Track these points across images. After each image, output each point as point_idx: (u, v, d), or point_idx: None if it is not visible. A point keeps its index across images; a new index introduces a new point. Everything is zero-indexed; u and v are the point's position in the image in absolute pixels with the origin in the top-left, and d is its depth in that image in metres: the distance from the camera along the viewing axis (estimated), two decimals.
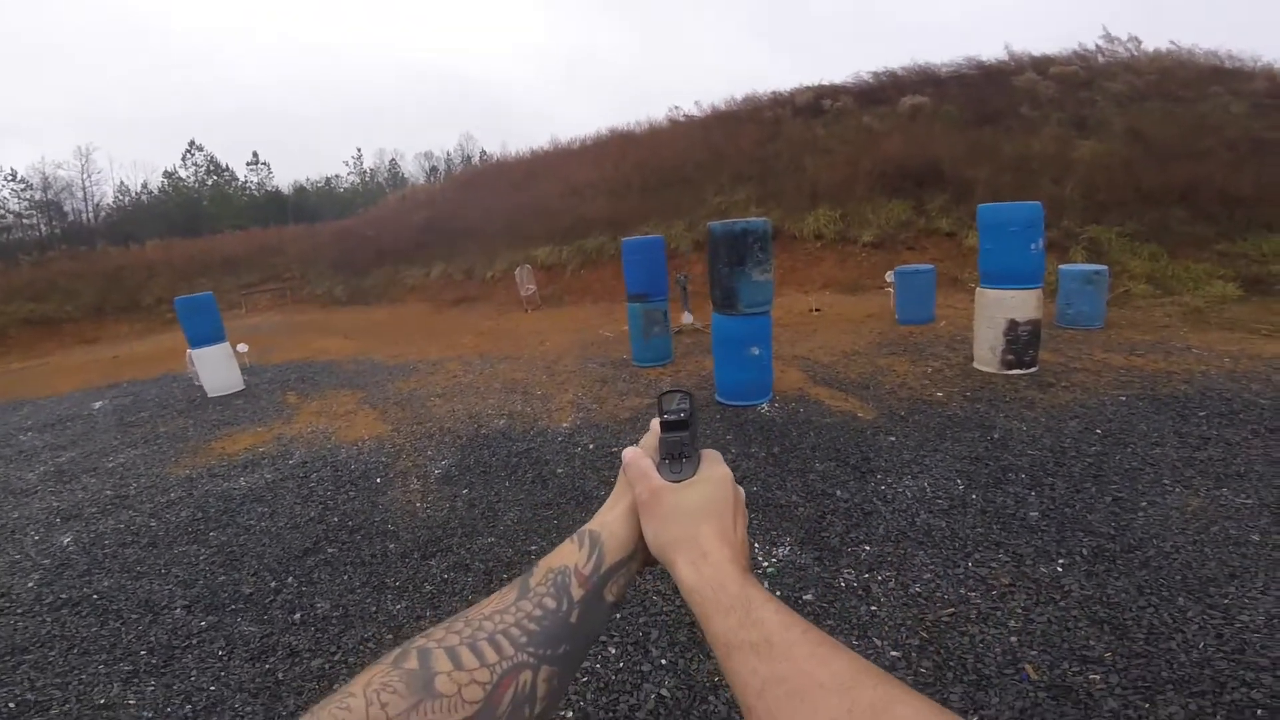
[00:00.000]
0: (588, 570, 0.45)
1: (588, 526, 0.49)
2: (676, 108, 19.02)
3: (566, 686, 0.43)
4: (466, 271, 15.03)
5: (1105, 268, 6.56)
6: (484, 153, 44.35)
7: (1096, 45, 13.24)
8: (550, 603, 0.43)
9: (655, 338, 6.27)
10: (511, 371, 6.79)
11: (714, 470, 0.50)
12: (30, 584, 3.27)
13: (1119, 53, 12.93)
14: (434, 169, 46.41)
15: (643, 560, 0.50)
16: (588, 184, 15.18)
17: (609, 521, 0.49)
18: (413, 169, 49.08)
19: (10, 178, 36.36)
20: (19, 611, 3.00)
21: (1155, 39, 17.35)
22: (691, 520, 0.46)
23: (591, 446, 4.28)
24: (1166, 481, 3.05)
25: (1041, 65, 12.86)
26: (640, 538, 0.49)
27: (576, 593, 0.44)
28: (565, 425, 4.78)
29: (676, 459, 0.51)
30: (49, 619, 2.91)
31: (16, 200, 36.29)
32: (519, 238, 14.58)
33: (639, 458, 0.52)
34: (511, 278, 13.26)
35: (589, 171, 15.83)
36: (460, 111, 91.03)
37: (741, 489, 0.52)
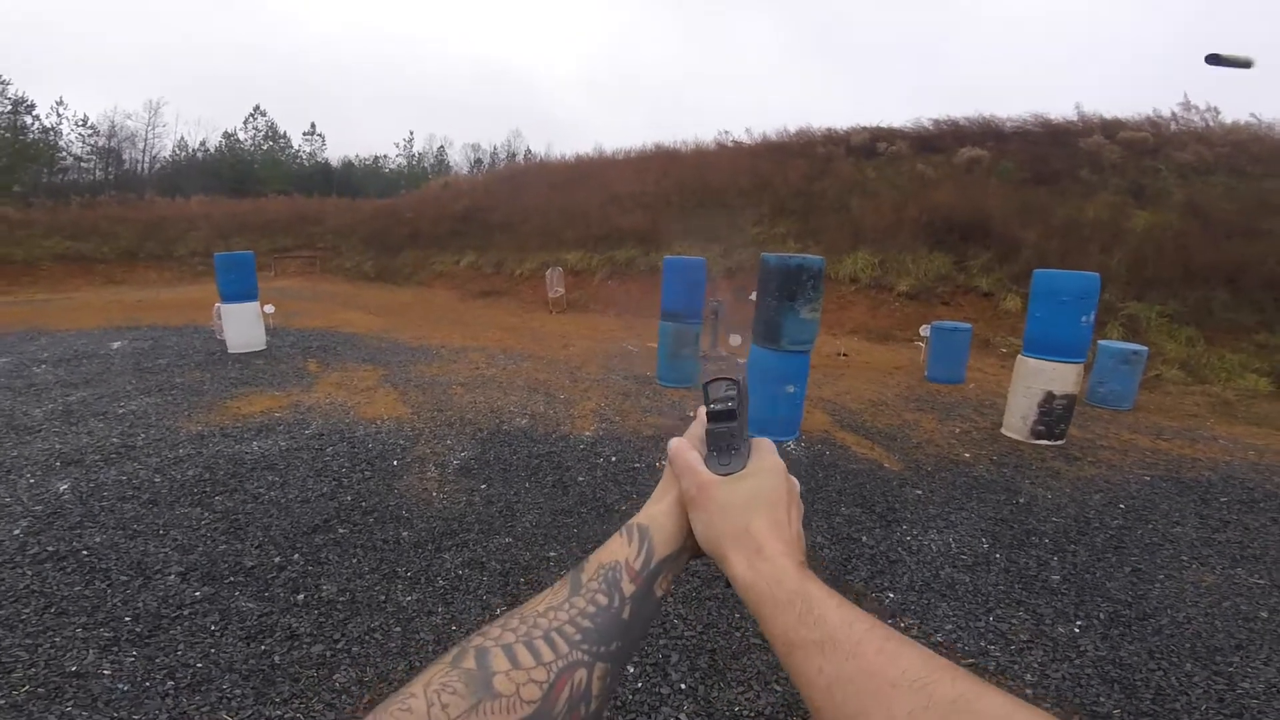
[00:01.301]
0: (638, 565, 0.45)
1: (635, 520, 0.48)
2: (726, 132, 19.09)
3: (618, 685, 0.42)
4: (496, 265, 15.11)
5: (1145, 349, 6.45)
6: (529, 151, 44.90)
7: (1172, 112, 12.91)
8: (603, 599, 0.42)
9: (684, 359, 6.23)
10: (534, 371, 6.77)
11: (765, 461, 0.49)
12: (16, 531, 3.06)
13: (1194, 121, 12.56)
14: (479, 160, 46.96)
15: (691, 554, 0.49)
16: (627, 195, 15.24)
17: (656, 515, 0.48)
18: (459, 158, 49.68)
19: (81, 122, 37.39)
20: None
21: (1237, 110, 17.03)
22: (743, 514, 0.45)
23: (614, 459, 4.23)
24: (1185, 558, 3.18)
25: (1111, 128, 12.57)
26: (689, 532, 0.48)
27: (628, 588, 0.43)
28: (588, 434, 4.74)
29: (725, 451, 0.49)
30: (29, 572, 2.72)
31: (81, 144, 37.27)
32: (552, 239, 14.67)
33: (685, 450, 0.50)
34: (539, 277, 13.32)
35: (629, 183, 15.91)
36: (510, 108, 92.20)
37: (796, 480, 0.50)
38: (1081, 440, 5.00)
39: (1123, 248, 9.32)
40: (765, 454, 0.50)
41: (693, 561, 0.50)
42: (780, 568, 0.42)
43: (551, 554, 3.01)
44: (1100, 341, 6.65)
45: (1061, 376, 4.78)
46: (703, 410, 0.52)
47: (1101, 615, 2.65)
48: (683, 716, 2.04)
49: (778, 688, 2.15)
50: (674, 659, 2.30)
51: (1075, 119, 13.61)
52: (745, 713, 2.06)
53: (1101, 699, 2.16)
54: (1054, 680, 2.25)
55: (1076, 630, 2.55)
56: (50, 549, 2.92)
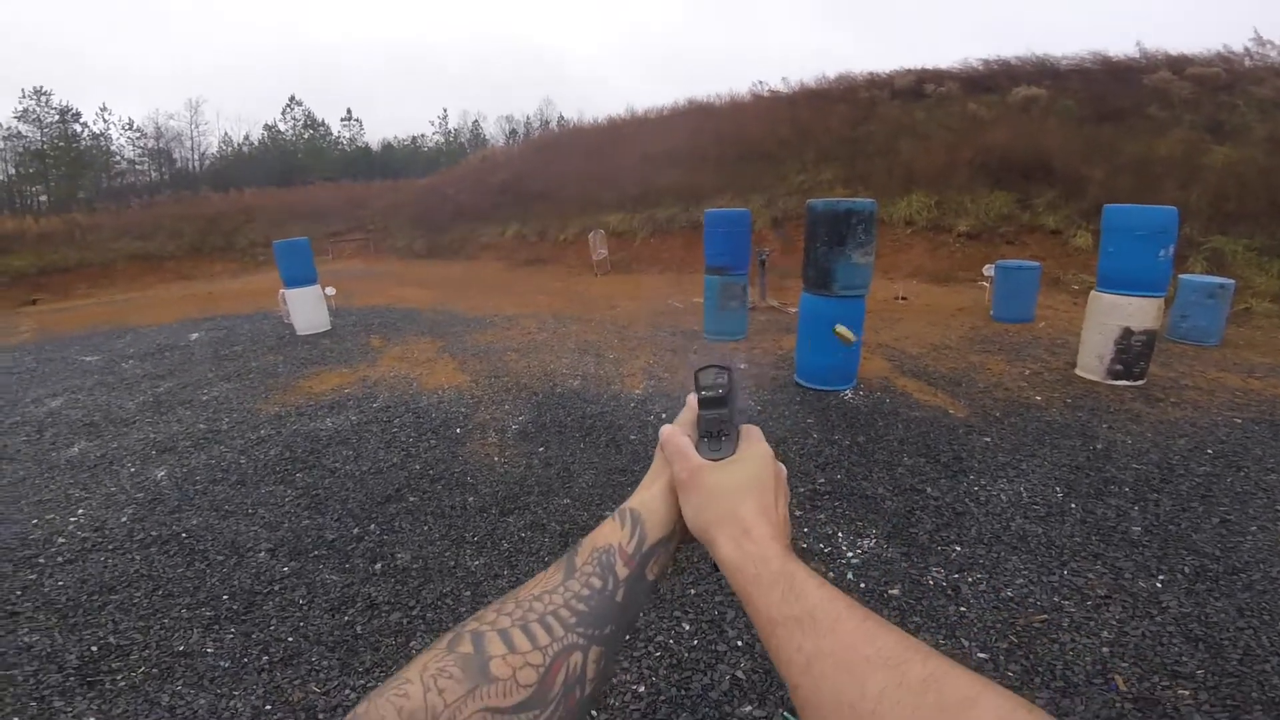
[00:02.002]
0: (631, 549, 0.45)
1: (627, 505, 0.49)
2: (761, 83, 18.37)
3: (613, 667, 0.42)
4: (540, 233, 15.19)
5: (1232, 281, 5.98)
6: (562, 118, 44.47)
7: (1245, 47, 11.97)
8: (597, 582, 0.42)
9: (731, 311, 6.15)
10: (583, 333, 6.82)
11: (754, 447, 0.50)
12: (124, 519, 3.23)
13: (1270, 56, 11.67)
14: (514, 132, 46.91)
15: (681, 538, 0.49)
16: (662, 153, 14.96)
17: (648, 499, 0.49)
18: (494, 131, 49.79)
19: (128, 126, 39.23)
20: (110, 548, 2.96)
21: None
22: (732, 498, 0.46)
23: (664, 415, 4.24)
24: None
25: (1178, 65, 11.75)
26: (679, 515, 0.48)
27: (621, 571, 0.44)
28: (638, 392, 4.76)
29: (715, 437, 0.50)
30: (138, 557, 2.87)
31: (132, 148, 39.13)
32: (591, 203, 14.60)
33: (676, 435, 0.51)
34: (582, 241, 13.32)
35: (664, 141, 15.59)
36: (540, 79, 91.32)
37: (783, 466, 0.51)
38: (1164, 380, 4.70)
39: (1201, 183, 8.72)
40: (754, 440, 0.51)
41: (683, 546, 0.50)
42: (767, 549, 0.42)
43: (607, 513, 3.03)
44: (1182, 275, 6.20)
45: (1139, 311, 4.49)
46: (693, 397, 0.53)
47: (1186, 569, 2.49)
48: (739, 673, 2.04)
49: None
50: (730, 615, 2.31)
51: (1138, 56, 12.70)
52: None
53: (1184, 658, 2.04)
54: (1133, 638, 2.13)
55: (1159, 585, 2.40)
56: (154, 533, 3.08)
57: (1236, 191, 8.44)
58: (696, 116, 17.23)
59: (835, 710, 0.33)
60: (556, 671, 0.37)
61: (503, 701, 0.35)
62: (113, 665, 2.21)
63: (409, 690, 0.33)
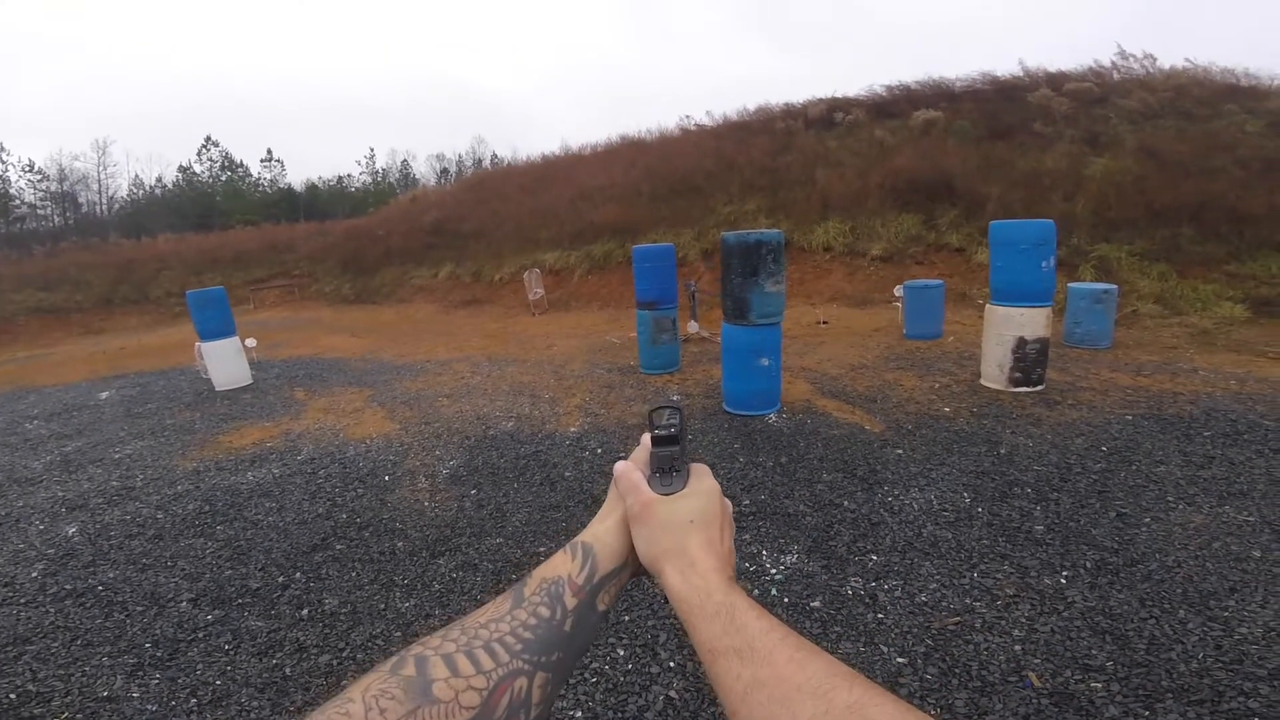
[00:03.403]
0: (581, 580, 0.47)
1: (580, 538, 0.51)
2: (688, 117, 19.12)
3: (558, 692, 0.44)
4: (474, 274, 15.08)
5: (1115, 287, 6.56)
6: (495, 156, 44.65)
7: (1112, 62, 13.20)
8: (544, 611, 0.43)
9: (663, 345, 6.30)
10: (519, 374, 6.82)
11: (703, 484, 0.52)
12: (34, 574, 3.23)
13: (1134, 69, 12.86)
14: (445, 170, 46.71)
15: (633, 570, 0.51)
16: (597, 189, 15.24)
17: (601, 533, 0.51)
18: (424, 170, 49.44)
19: (28, 168, 36.83)
20: (22, 601, 2.96)
21: (1171, 56, 17.39)
22: (681, 531, 0.48)
23: (599, 450, 4.30)
24: (1170, 498, 3.11)
25: (1056, 81, 12.83)
26: (631, 548, 0.50)
27: (570, 602, 0.45)
28: (573, 429, 4.80)
29: (667, 473, 0.53)
30: (52, 609, 2.87)
31: (33, 191, 36.75)
32: (527, 241, 14.64)
33: (630, 470, 0.53)
34: (519, 281, 13.32)
35: (598, 177, 15.90)
36: (471, 116, 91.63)
37: (729, 501, 0.53)
38: (1061, 384, 5.06)
39: (1084, 194, 9.47)
40: (703, 477, 0.53)
41: (635, 578, 0.52)
42: (710, 581, 0.44)
43: (541, 549, 3.08)
44: (1070, 284, 6.76)
45: (1030, 321, 4.87)
46: (647, 436, 0.56)
47: (1088, 564, 2.59)
48: (673, 693, 2.09)
49: None
50: (662, 638, 2.36)
51: (1021, 74, 13.83)
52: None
53: (1093, 651, 2.10)
54: (1042, 634, 2.20)
55: (1063, 581, 2.50)
56: (68, 587, 3.07)
57: (1116, 200, 9.12)
58: (629, 152, 17.66)
59: None
60: (501, 695, 0.38)
61: None
62: (34, 711, 2.22)
63: (350, 709, 0.33)
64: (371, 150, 56.52)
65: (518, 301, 12.95)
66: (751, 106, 16.97)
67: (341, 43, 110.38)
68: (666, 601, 0.48)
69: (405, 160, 50.90)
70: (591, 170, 16.86)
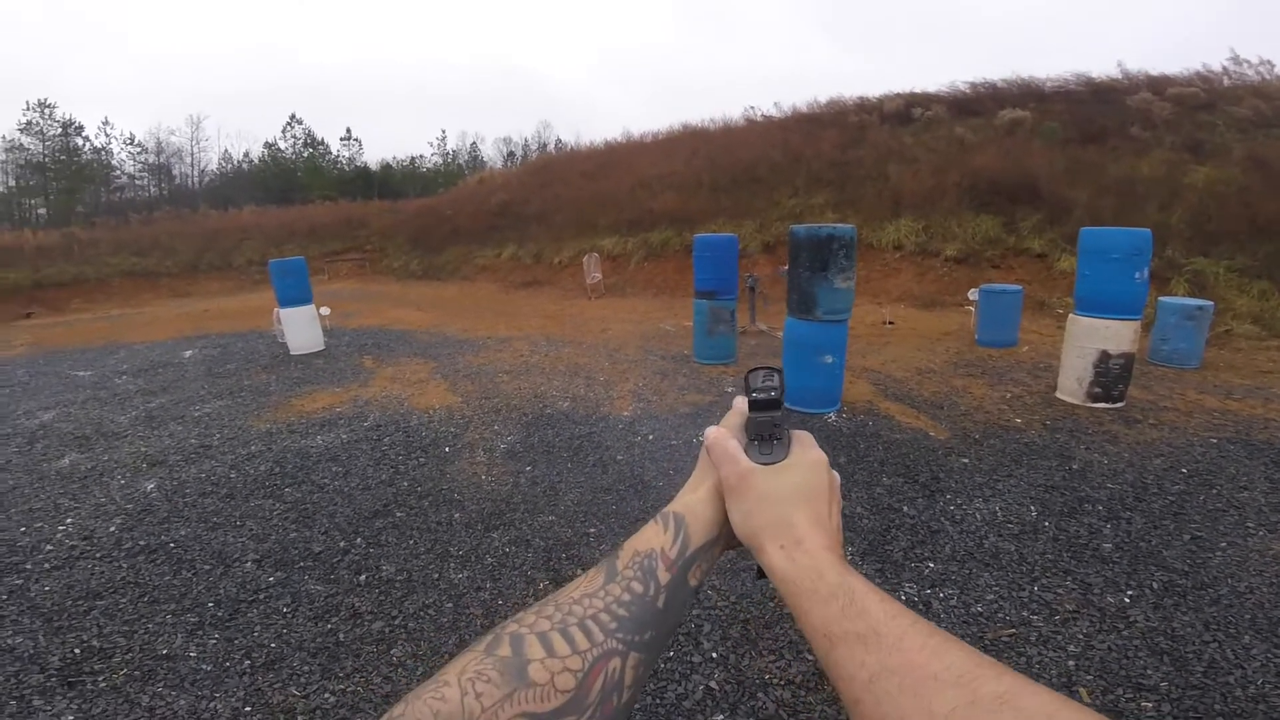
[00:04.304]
0: (674, 554, 0.44)
1: (671, 508, 0.48)
2: (753, 107, 18.80)
3: (650, 674, 0.42)
4: (535, 256, 15.33)
5: (1210, 304, 6.09)
6: (559, 141, 45.08)
7: (1223, 66, 12.31)
8: (638, 587, 0.41)
9: (720, 336, 6.24)
10: (575, 356, 6.90)
11: (808, 454, 0.48)
12: (112, 528, 3.32)
13: (1247, 75, 11.99)
14: (511, 153, 47.49)
15: (726, 544, 0.48)
16: (657, 178, 15.19)
17: (692, 503, 0.48)
18: (491, 153, 50.38)
19: (129, 141, 39.49)
20: (98, 555, 3.05)
21: None
22: (785, 506, 0.45)
23: (651, 437, 4.31)
24: (1250, 524, 3.00)
25: (1158, 85, 12.04)
26: (725, 521, 0.47)
27: (663, 577, 0.43)
28: (626, 414, 4.83)
29: (767, 440, 0.48)
30: (125, 565, 2.95)
31: (132, 163, 39.39)
32: (587, 226, 14.76)
33: (725, 438, 0.49)
34: (576, 265, 13.46)
35: (659, 165, 15.85)
36: (538, 101, 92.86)
37: (837, 474, 0.50)
38: (1143, 402, 4.78)
39: (1183, 204, 8.84)
40: (808, 446, 0.49)
41: (729, 551, 0.49)
42: (822, 561, 0.41)
43: (591, 530, 3.11)
44: (1161, 298, 6.33)
45: (1116, 334, 4.59)
46: (741, 399, 0.52)
47: (1155, 585, 2.54)
48: (713, 684, 2.09)
49: (809, 657, 2.18)
50: (706, 628, 2.36)
51: (1119, 76, 13.03)
52: (776, 681, 2.09)
53: (1149, 671, 2.08)
54: (1099, 651, 2.18)
55: (1127, 600, 2.45)
56: (142, 543, 3.16)
57: (1217, 211, 8.53)
58: (690, 141, 17.52)
59: None
60: (595, 677, 0.36)
61: (540, 707, 0.34)
62: (94, 667, 2.28)
63: (446, 693, 0.33)
64: (443, 132, 57.70)
65: (575, 284, 13.10)
66: (823, 99, 16.55)
67: (419, 28, 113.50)
68: (761, 577, 0.45)
69: (474, 143, 52.09)
70: (652, 158, 16.81)
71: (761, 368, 0.52)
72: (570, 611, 0.39)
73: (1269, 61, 11.92)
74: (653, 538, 0.45)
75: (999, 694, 0.30)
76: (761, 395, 0.50)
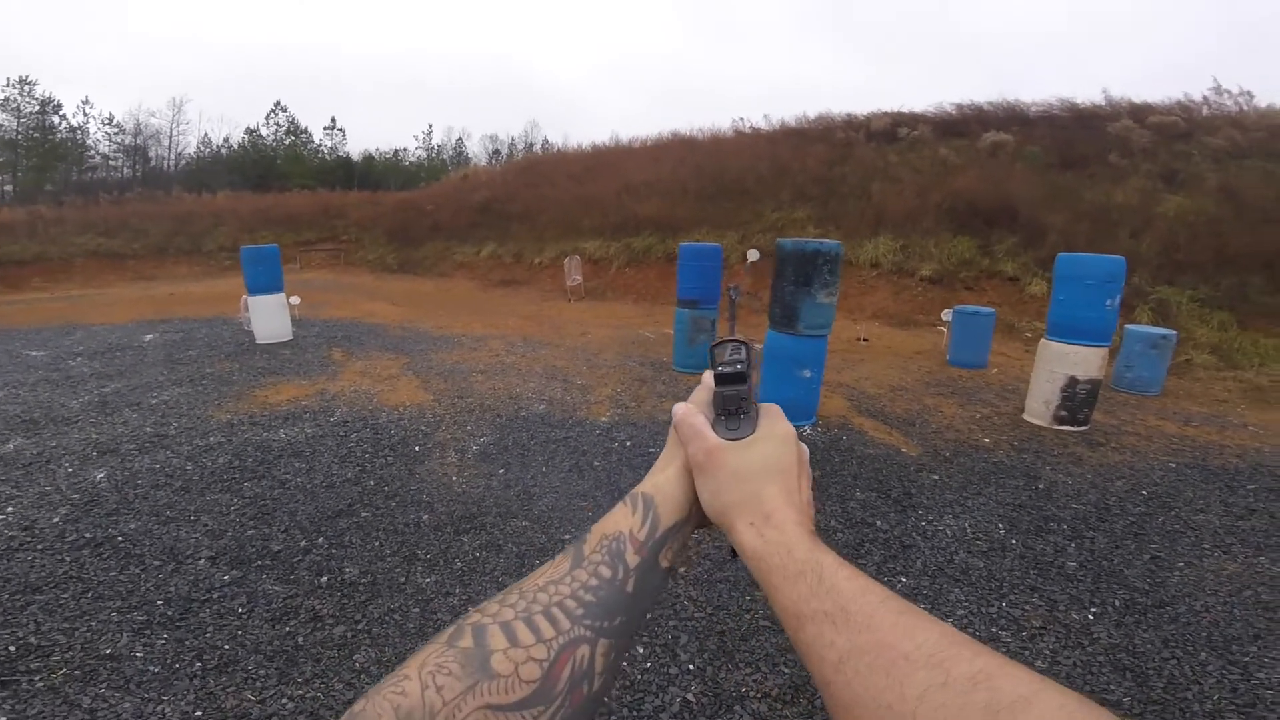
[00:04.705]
0: (643, 535, 0.43)
1: (639, 489, 0.46)
2: (742, 118, 18.94)
3: (623, 660, 0.40)
4: (516, 255, 15.22)
5: (1174, 333, 6.29)
6: (546, 141, 44.97)
7: (1204, 96, 12.57)
8: (606, 571, 0.40)
9: (700, 345, 6.23)
10: (553, 358, 6.83)
11: (776, 427, 0.47)
12: (55, 519, 3.15)
13: (1226, 105, 12.25)
14: (497, 151, 47.24)
15: (696, 523, 0.47)
16: (643, 183, 15.22)
17: (661, 483, 0.46)
18: (477, 149, 50.05)
19: (107, 121, 38.45)
20: (39, 548, 2.88)
21: (1272, 94, 16.56)
22: (753, 481, 0.43)
23: (629, 444, 4.27)
24: (1207, 546, 3.12)
25: (1140, 113, 12.30)
26: (695, 499, 0.46)
27: (632, 559, 0.41)
28: (604, 419, 4.78)
29: (734, 415, 0.47)
30: (68, 558, 2.79)
31: (108, 143, 38.32)
32: (570, 228, 14.72)
33: (691, 414, 0.48)
34: (557, 266, 13.40)
35: (646, 171, 15.88)
36: (527, 99, 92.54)
37: (805, 447, 0.48)
38: (1106, 426, 4.91)
39: (1153, 232, 9.12)
40: (775, 419, 0.48)
41: (699, 531, 0.48)
42: (791, 536, 0.40)
43: (566, 536, 3.06)
44: (1127, 326, 6.50)
45: (1085, 361, 4.70)
46: (709, 374, 0.50)
47: (1117, 602, 2.61)
48: (690, 696, 2.06)
49: (785, 669, 2.17)
50: (683, 640, 2.33)
51: (1103, 103, 13.30)
52: (753, 693, 2.08)
53: (1112, 686, 2.14)
54: (1064, 666, 2.23)
55: (1090, 617, 2.52)
56: (88, 535, 3.00)
57: (1185, 241, 8.76)
58: (679, 149, 17.60)
59: (872, 712, 0.30)
60: (562, 666, 0.35)
61: (504, 698, 0.33)
62: (31, 665, 2.15)
63: (406, 687, 0.32)
64: (429, 126, 57.42)
65: (555, 286, 13.02)
66: (811, 114, 16.75)
67: (411, 19, 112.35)
68: (735, 557, 0.43)
69: (460, 138, 51.70)
70: (639, 163, 16.84)
71: (730, 340, 0.51)
72: (535, 599, 0.38)
73: (1248, 92, 12.23)
74: (620, 520, 0.43)
75: (972, 674, 0.29)
76: (727, 369, 0.48)
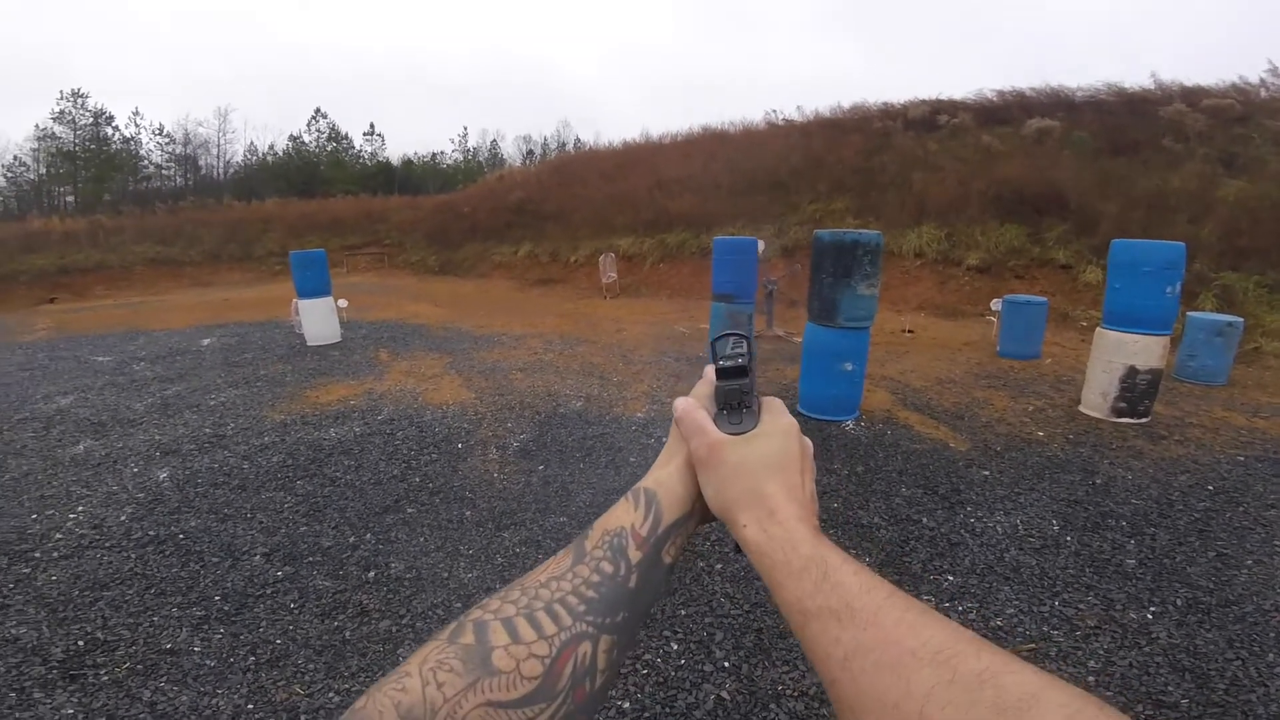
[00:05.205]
0: (645, 531, 0.43)
1: (642, 484, 0.46)
2: (775, 111, 18.61)
3: (625, 656, 0.40)
4: (551, 254, 15.35)
5: (1240, 320, 5.94)
6: (578, 140, 45.20)
7: (1261, 79, 11.90)
8: (608, 567, 0.40)
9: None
10: (589, 355, 6.87)
11: (778, 421, 0.47)
12: (123, 518, 3.28)
13: None
14: (530, 152, 47.72)
15: (700, 519, 0.47)
16: (675, 179, 15.15)
17: (664, 478, 0.46)
18: (511, 150, 50.64)
19: (158, 131, 40.22)
20: (107, 545, 3.01)
21: None
22: (756, 476, 0.43)
23: (664, 439, 4.23)
24: (1278, 542, 2.97)
25: (1193, 96, 11.70)
26: (698, 494, 0.46)
27: (634, 555, 0.41)
28: (639, 415, 4.79)
29: (736, 409, 0.47)
30: (133, 555, 2.91)
31: (160, 153, 40.12)
32: (604, 226, 14.76)
33: (693, 409, 0.48)
34: (592, 264, 13.46)
35: (678, 167, 15.79)
36: (558, 99, 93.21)
37: (809, 440, 0.48)
38: (1168, 418, 4.68)
39: (1214, 218, 8.65)
40: (777, 413, 0.47)
41: (701, 527, 0.48)
42: (795, 532, 0.40)
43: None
44: (1190, 313, 6.18)
45: (1145, 350, 4.48)
46: (710, 369, 0.50)
47: (1178, 601, 2.50)
48: (724, 693, 2.04)
49: None
50: (719, 636, 2.32)
51: (1152, 87, 12.66)
52: (789, 692, 2.05)
53: (1170, 688, 2.05)
54: (1119, 668, 2.14)
55: (1149, 616, 2.42)
56: (152, 533, 3.12)
57: (1249, 226, 8.35)
58: (710, 143, 17.45)
59: (878, 710, 0.30)
60: (564, 663, 0.35)
61: (505, 695, 0.33)
62: (97, 660, 2.25)
63: (407, 684, 0.32)
64: (465, 129, 58.39)
65: (590, 284, 13.09)
66: (846, 104, 16.39)
67: (446, 25, 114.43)
68: (739, 552, 0.42)
69: (494, 140, 52.32)
70: (671, 159, 16.76)
71: (730, 334, 0.50)
72: (536, 595, 0.38)
73: None
74: (623, 515, 0.44)
75: (979, 671, 0.29)
76: (729, 362, 0.48)
